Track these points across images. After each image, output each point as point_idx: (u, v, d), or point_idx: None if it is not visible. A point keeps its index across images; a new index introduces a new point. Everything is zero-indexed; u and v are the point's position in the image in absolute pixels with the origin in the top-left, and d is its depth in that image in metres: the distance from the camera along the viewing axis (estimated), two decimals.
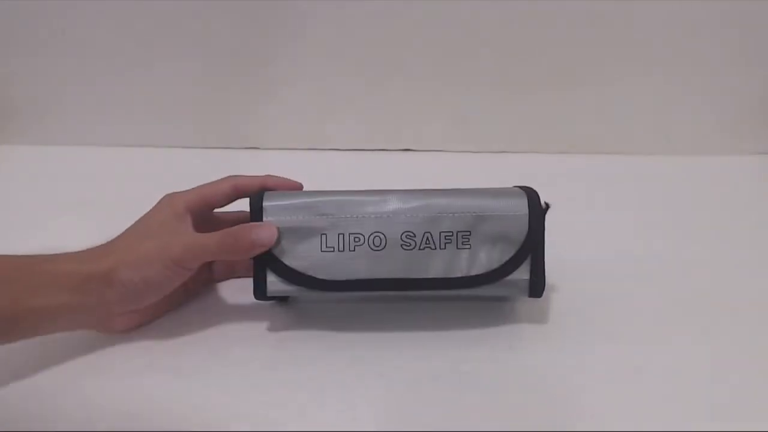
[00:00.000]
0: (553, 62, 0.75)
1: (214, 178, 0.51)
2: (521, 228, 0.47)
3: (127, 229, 0.48)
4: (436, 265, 0.47)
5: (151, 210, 0.49)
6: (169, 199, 0.49)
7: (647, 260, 0.59)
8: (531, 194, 0.49)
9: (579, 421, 0.43)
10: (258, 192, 0.49)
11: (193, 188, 0.50)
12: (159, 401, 0.45)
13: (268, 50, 0.76)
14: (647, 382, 0.46)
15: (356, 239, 0.47)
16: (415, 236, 0.47)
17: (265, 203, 0.48)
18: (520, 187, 0.50)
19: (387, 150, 0.80)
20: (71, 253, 0.46)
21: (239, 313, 0.53)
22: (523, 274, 0.48)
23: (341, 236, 0.47)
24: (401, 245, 0.47)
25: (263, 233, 0.46)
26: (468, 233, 0.47)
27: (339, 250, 0.47)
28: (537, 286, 0.48)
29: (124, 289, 0.45)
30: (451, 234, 0.47)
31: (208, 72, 0.78)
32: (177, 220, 0.47)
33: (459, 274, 0.47)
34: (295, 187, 0.52)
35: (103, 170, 0.77)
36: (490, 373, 0.46)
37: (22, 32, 0.76)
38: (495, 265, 0.47)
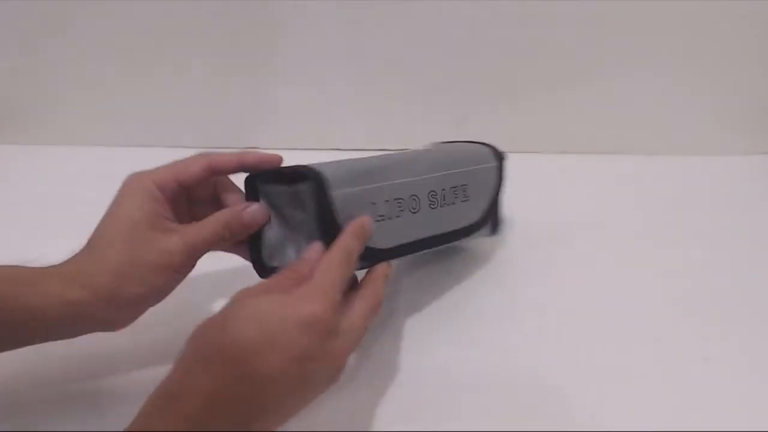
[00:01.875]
0: (552, 62, 0.75)
1: None
2: (494, 176, 0.55)
3: (107, 228, 0.43)
4: (455, 218, 0.51)
5: (122, 198, 0.43)
6: (139, 182, 0.44)
7: (646, 260, 0.59)
8: (492, 147, 0.56)
9: (577, 420, 0.43)
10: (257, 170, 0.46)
11: (161, 167, 0.45)
12: None
13: (268, 50, 0.76)
14: (645, 381, 0.46)
15: (399, 205, 0.46)
16: (437, 195, 0.49)
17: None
18: (476, 142, 0.57)
19: (387, 150, 0.80)
20: (67, 270, 0.42)
21: None
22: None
23: (387, 203, 0.45)
24: (429, 204, 0.48)
25: (256, 213, 0.45)
26: (466, 185, 0.52)
27: (389, 218, 0.45)
28: (498, 225, 0.57)
29: (129, 305, 0.43)
30: (456, 188, 0.51)
31: (209, 72, 0.78)
32: (158, 214, 0.43)
33: (469, 222, 0.52)
34: (276, 161, 0.47)
35: (103, 170, 0.76)
36: (488, 373, 0.46)
37: (22, 32, 0.76)
38: (483, 209, 0.53)
